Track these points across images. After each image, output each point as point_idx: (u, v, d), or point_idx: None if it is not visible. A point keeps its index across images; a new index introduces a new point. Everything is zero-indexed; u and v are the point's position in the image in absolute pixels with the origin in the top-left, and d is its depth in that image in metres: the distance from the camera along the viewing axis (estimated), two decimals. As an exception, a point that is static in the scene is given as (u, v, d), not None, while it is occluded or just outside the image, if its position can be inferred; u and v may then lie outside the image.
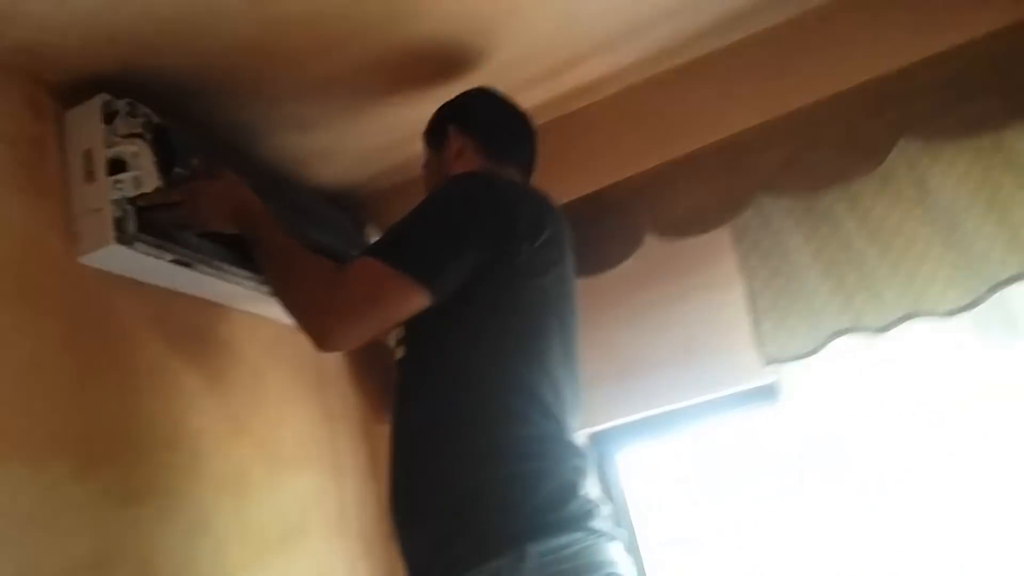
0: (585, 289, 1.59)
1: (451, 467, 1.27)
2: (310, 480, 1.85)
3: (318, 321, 1.28)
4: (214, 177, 1.50)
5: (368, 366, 1.72)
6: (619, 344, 1.99)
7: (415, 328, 1.34)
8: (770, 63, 1.92)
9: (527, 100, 1.94)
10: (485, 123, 1.60)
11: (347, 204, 2.20)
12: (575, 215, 1.73)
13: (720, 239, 1.91)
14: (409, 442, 1.36)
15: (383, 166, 2.15)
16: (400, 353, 1.41)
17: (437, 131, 1.63)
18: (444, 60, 1.76)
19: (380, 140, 2.02)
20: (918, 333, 1.75)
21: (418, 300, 1.27)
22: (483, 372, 1.30)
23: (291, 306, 1.35)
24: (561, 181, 1.83)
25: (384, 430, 1.95)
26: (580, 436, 1.39)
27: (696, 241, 1.89)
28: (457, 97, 1.66)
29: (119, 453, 1.36)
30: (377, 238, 2.03)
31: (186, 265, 1.51)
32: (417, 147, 1.73)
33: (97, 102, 1.46)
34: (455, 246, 1.29)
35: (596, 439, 1.97)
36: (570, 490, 1.26)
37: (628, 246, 1.91)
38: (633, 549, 1.94)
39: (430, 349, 1.35)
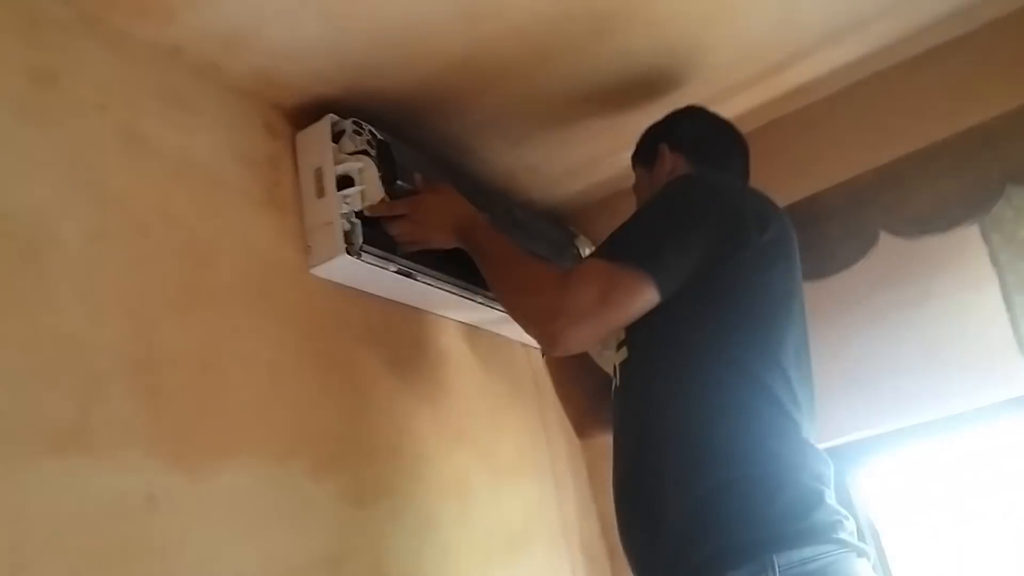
0: (814, 293, 1.50)
1: (683, 470, 1.21)
2: (531, 489, 1.85)
3: (550, 324, 1.26)
4: (434, 191, 1.55)
5: (573, 383, 1.69)
6: (853, 353, 1.84)
7: (640, 329, 1.30)
8: (1016, 47, 1.76)
9: (741, 104, 1.91)
10: (696, 140, 1.57)
11: (556, 218, 2.21)
12: (801, 217, 1.65)
13: (966, 234, 1.74)
14: (636, 444, 1.31)
15: (591, 181, 2.15)
16: (622, 356, 1.37)
17: (647, 151, 1.61)
18: (653, 70, 1.74)
19: (587, 154, 2.01)
20: None
21: (647, 295, 1.23)
22: (713, 368, 1.24)
23: (521, 311, 1.36)
24: (783, 184, 1.75)
25: (594, 445, 1.93)
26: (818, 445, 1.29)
27: (938, 238, 1.75)
28: (666, 117, 1.65)
29: (350, 455, 1.40)
30: (592, 249, 2.04)
31: (408, 275, 1.55)
32: (625, 160, 1.71)
33: (326, 123, 1.53)
34: (680, 241, 1.26)
35: (832, 454, 1.83)
36: (815, 497, 1.17)
37: (861, 247, 1.80)
38: (881, 567, 1.80)
39: (656, 348, 1.31)
